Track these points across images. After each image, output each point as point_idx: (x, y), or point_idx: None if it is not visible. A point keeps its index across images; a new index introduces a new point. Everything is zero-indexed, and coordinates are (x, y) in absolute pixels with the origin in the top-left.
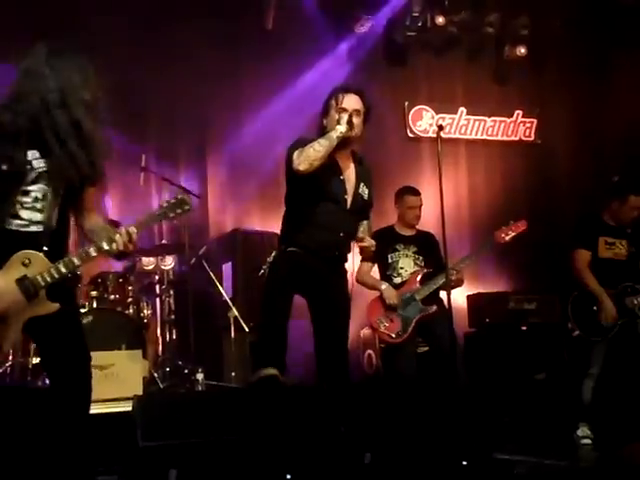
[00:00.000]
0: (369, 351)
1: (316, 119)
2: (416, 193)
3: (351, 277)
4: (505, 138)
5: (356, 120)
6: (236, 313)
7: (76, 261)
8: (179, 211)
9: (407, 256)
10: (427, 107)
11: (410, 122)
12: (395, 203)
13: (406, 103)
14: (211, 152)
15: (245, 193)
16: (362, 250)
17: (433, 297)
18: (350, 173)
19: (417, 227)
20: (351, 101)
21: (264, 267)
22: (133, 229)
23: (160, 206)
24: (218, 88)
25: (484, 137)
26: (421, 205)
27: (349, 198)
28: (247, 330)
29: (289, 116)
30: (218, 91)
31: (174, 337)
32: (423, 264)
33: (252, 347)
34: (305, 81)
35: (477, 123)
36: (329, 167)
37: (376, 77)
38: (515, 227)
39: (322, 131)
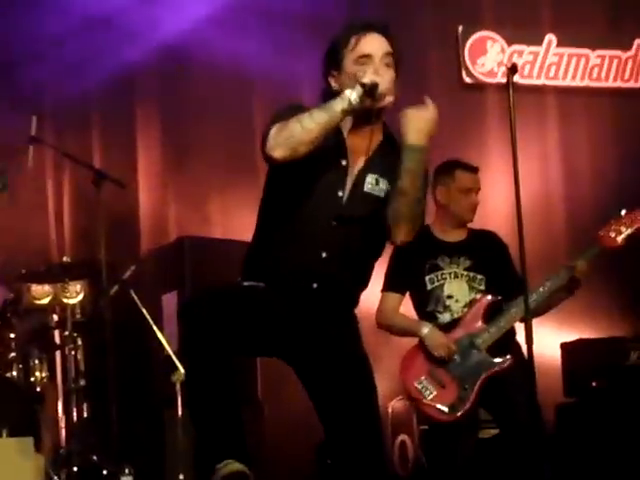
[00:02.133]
0: (402, 437)
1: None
2: (473, 170)
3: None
4: (619, 84)
5: (388, 74)
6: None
7: None
8: None
9: (457, 276)
10: (494, 34)
11: (467, 59)
12: (435, 187)
13: (460, 28)
14: (144, 113)
15: (197, 178)
16: None
17: (505, 342)
18: (360, 158)
19: (469, 226)
20: (378, 40)
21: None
22: None
23: None
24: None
25: (586, 83)
26: (478, 189)
27: (345, 194)
28: None
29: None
30: None
31: (85, 416)
32: (484, 287)
33: None
34: None
35: (574, 60)
36: (329, 150)
37: None
38: (630, 220)
39: (329, 96)
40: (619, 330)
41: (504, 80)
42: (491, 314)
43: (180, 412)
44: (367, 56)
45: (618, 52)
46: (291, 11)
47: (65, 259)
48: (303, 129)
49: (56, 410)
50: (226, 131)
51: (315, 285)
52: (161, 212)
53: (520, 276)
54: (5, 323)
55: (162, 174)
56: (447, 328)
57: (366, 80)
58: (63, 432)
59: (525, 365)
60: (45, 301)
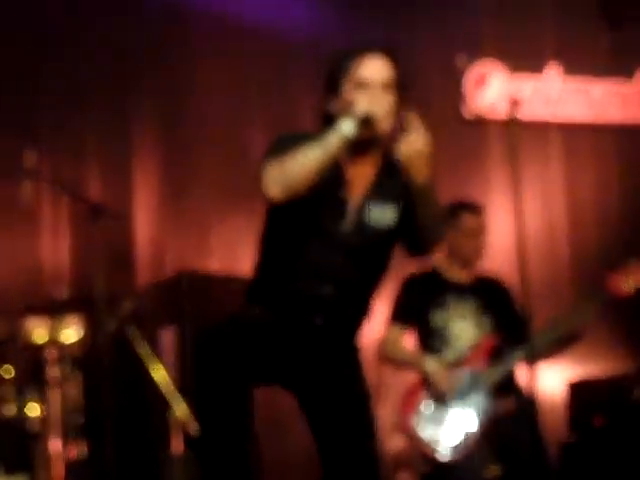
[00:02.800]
0: (403, 475)
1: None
2: (477, 211)
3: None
4: (624, 118)
5: (385, 101)
6: (183, 413)
7: None
8: None
9: (464, 317)
10: (496, 66)
11: (467, 92)
12: None
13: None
14: (142, 145)
15: (196, 211)
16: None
17: (508, 384)
18: (361, 189)
19: (476, 268)
20: (375, 68)
21: None
22: None
23: None
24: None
25: (590, 117)
26: (484, 230)
27: (347, 228)
28: None
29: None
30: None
31: (81, 453)
32: (490, 328)
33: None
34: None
35: (578, 94)
36: (328, 183)
37: (408, 16)
38: (639, 269)
39: (328, 122)
40: (623, 367)
41: (506, 114)
42: (495, 356)
43: (177, 450)
44: (365, 82)
45: (623, 86)
46: (292, 38)
47: (62, 295)
48: (300, 167)
49: (52, 448)
50: (225, 164)
51: (320, 320)
52: (159, 246)
53: (521, 318)
54: (1, 360)
55: (160, 208)
56: (450, 367)
57: (359, 111)
58: (59, 470)
59: (527, 404)
60: (42, 337)
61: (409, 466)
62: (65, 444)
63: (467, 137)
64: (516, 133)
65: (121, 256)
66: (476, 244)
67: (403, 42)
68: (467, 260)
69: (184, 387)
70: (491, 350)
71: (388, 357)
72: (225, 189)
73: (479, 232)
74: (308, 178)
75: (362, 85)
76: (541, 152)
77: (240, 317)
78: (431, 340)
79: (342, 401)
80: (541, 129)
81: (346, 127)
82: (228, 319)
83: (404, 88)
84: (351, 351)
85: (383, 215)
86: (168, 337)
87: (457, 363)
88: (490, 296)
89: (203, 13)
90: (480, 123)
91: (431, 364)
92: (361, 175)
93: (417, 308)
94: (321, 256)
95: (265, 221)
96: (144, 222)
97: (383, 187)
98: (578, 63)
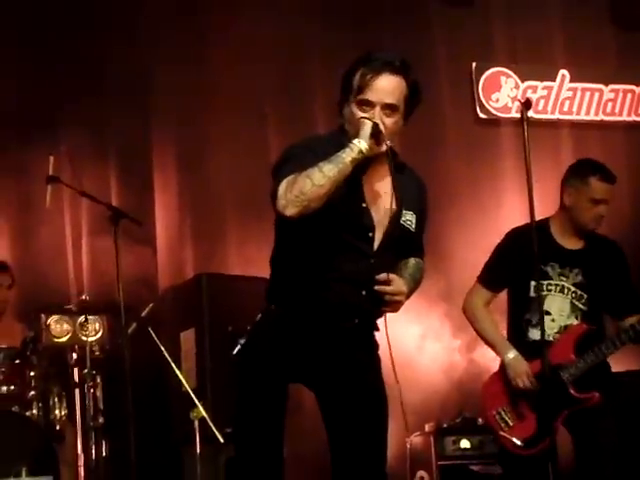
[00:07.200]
0: (421, 473)
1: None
2: (610, 180)
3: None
4: (633, 118)
5: (390, 121)
6: (203, 413)
7: None
8: None
9: (562, 291)
10: (508, 70)
11: (481, 95)
12: (565, 185)
13: (474, 65)
14: (161, 151)
15: (215, 216)
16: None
17: (597, 375)
18: (380, 194)
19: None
20: (384, 88)
21: (241, 341)
22: None
23: None
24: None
25: (600, 117)
26: (610, 200)
27: (377, 235)
28: (222, 441)
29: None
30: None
31: (104, 454)
32: (587, 307)
33: (229, 468)
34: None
35: (588, 95)
36: (346, 187)
37: (424, 23)
38: None
39: (339, 128)
40: None
41: (518, 115)
42: (585, 344)
43: (198, 449)
44: (369, 102)
45: (632, 86)
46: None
47: (83, 297)
48: (314, 185)
49: (75, 448)
50: (242, 167)
51: (356, 320)
52: (179, 249)
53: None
54: (25, 361)
55: (179, 211)
56: (535, 350)
57: (367, 127)
58: (82, 470)
59: (615, 401)
60: (64, 339)
61: (427, 464)
62: (87, 444)
63: (481, 136)
64: (528, 132)
65: (142, 260)
66: (597, 212)
67: (420, 52)
68: (582, 226)
69: (203, 387)
70: (579, 338)
71: (473, 319)
72: (241, 195)
73: (605, 200)
74: (323, 195)
75: (366, 103)
76: (553, 150)
77: (268, 322)
78: (523, 310)
79: (361, 395)
80: (552, 128)
81: (361, 144)
82: (259, 326)
83: (412, 103)
84: (373, 344)
85: (408, 219)
86: (188, 338)
87: (543, 347)
88: (599, 267)
89: None
90: (493, 123)
91: (512, 355)
92: (374, 178)
93: (514, 271)
94: (357, 264)
95: (281, 231)
96: (164, 227)
97: (403, 193)
98: (589, 71)
